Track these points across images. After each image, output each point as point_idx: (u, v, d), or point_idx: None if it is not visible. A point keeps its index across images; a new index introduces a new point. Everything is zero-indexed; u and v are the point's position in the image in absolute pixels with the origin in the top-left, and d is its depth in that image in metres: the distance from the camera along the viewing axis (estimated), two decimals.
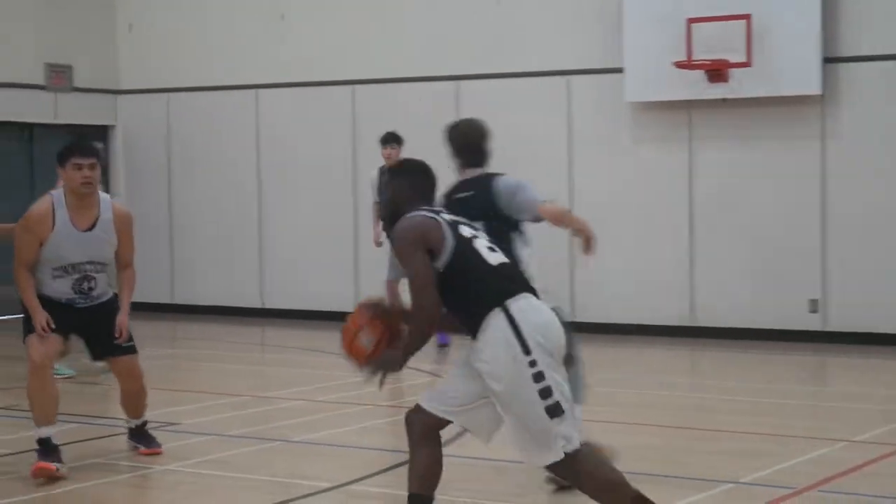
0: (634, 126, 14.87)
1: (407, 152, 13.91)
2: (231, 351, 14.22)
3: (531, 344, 5.69)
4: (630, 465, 8.02)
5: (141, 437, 8.53)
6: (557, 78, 15.15)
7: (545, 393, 5.68)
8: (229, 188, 17.31)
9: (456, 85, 15.70)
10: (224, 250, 17.41)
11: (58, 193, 8.03)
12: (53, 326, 7.83)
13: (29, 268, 7.92)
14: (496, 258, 5.90)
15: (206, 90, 17.42)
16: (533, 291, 5.91)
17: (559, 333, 5.84)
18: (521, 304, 5.76)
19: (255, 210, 17.16)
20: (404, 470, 8.05)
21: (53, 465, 7.67)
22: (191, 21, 17.59)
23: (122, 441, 8.62)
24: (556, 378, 5.74)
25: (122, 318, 8.12)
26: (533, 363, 5.67)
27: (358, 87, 16.40)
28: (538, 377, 5.67)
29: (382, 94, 16.21)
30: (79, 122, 17.51)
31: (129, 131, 17.78)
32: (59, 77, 17.36)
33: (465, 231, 5.93)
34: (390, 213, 6.09)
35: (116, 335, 8.09)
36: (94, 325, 8.12)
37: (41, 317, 7.82)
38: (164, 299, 17.74)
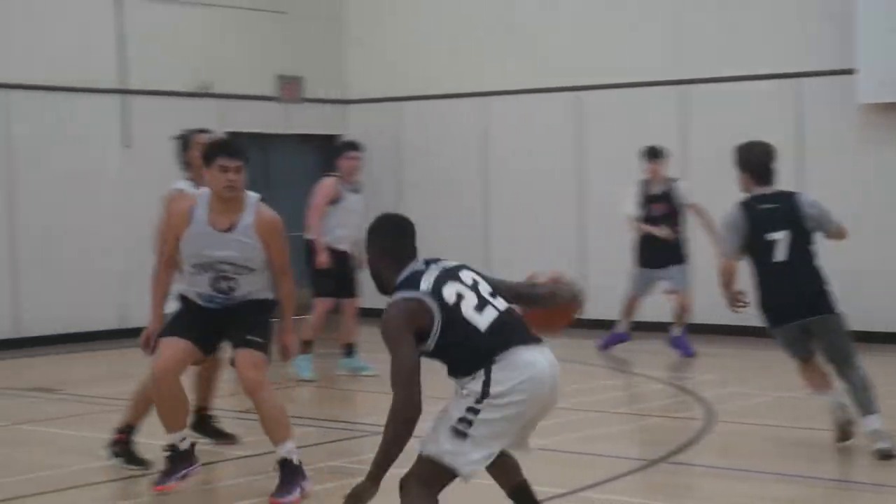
0: (869, 128, 14.50)
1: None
2: None
3: (492, 392, 5.54)
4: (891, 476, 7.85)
5: (283, 471, 7.61)
6: (789, 80, 14.89)
7: (462, 422, 5.62)
8: (457, 196, 17.44)
9: (686, 89, 15.56)
10: (452, 257, 17.50)
11: (204, 192, 7.63)
12: (154, 344, 7.64)
13: (167, 261, 7.71)
14: (486, 319, 5.71)
15: (434, 98, 17.63)
16: (531, 340, 5.71)
17: (539, 384, 5.60)
18: (501, 364, 5.58)
19: (482, 218, 17.27)
20: (637, 477, 8.09)
21: (172, 485, 7.65)
22: (418, 30, 17.82)
23: (360, 444, 8.74)
24: (493, 429, 5.57)
25: (287, 338, 7.81)
26: (478, 402, 5.56)
27: (583, 93, 16.38)
28: (471, 411, 5.58)
29: (609, 100, 16.16)
30: (309, 131, 17.93)
31: (359, 140, 18.09)
32: (290, 88, 17.78)
33: (450, 294, 5.80)
34: (373, 276, 6.09)
35: (282, 354, 7.85)
36: (231, 316, 7.66)
37: (154, 325, 7.71)
38: None
